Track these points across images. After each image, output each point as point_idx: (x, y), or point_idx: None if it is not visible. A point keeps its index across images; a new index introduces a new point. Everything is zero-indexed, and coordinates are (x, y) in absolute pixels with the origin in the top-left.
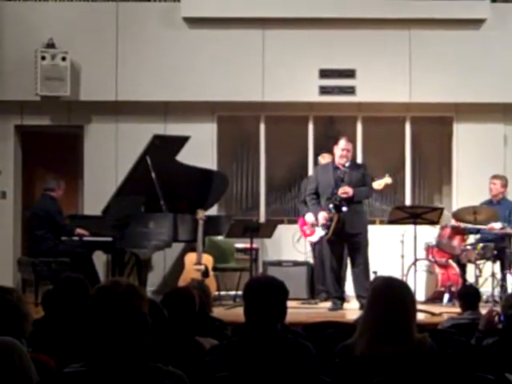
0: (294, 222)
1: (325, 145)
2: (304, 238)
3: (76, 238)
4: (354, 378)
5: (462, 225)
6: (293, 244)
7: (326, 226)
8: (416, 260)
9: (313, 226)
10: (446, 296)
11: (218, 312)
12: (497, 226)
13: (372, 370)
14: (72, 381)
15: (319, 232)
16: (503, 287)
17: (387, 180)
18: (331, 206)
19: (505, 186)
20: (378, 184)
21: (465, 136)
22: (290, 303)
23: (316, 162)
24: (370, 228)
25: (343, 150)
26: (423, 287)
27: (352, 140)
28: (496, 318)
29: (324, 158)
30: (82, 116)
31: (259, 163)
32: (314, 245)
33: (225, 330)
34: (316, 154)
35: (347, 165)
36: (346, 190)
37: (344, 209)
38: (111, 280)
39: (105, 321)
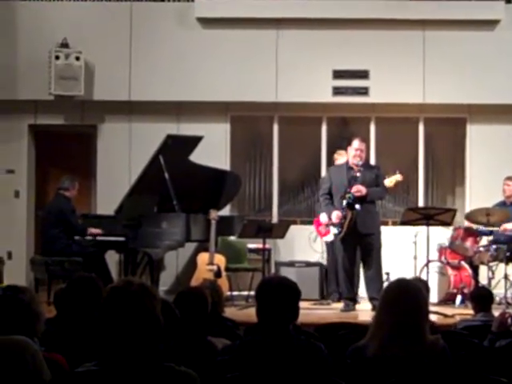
0: (307, 222)
1: (338, 145)
2: (320, 237)
3: (89, 238)
4: (366, 380)
5: (475, 226)
6: (309, 244)
7: (340, 225)
8: (429, 261)
9: (327, 226)
10: (459, 298)
11: (230, 312)
12: (510, 226)
13: (384, 371)
14: (84, 380)
15: (333, 231)
16: None
17: (398, 177)
18: (344, 202)
19: None
20: (389, 181)
21: (478, 137)
22: (302, 304)
23: (329, 163)
24: (383, 229)
25: (357, 150)
26: (436, 289)
27: (365, 140)
28: (509, 320)
29: (339, 155)
30: (95, 115)
31: (272, 164)
32: (329, 245)
33: (237, 330)
34: (329, 154)
35: (360, 164)
36: (359, 189)
37: (357, 206)
38: (124, 279)
39: (117, 320)
